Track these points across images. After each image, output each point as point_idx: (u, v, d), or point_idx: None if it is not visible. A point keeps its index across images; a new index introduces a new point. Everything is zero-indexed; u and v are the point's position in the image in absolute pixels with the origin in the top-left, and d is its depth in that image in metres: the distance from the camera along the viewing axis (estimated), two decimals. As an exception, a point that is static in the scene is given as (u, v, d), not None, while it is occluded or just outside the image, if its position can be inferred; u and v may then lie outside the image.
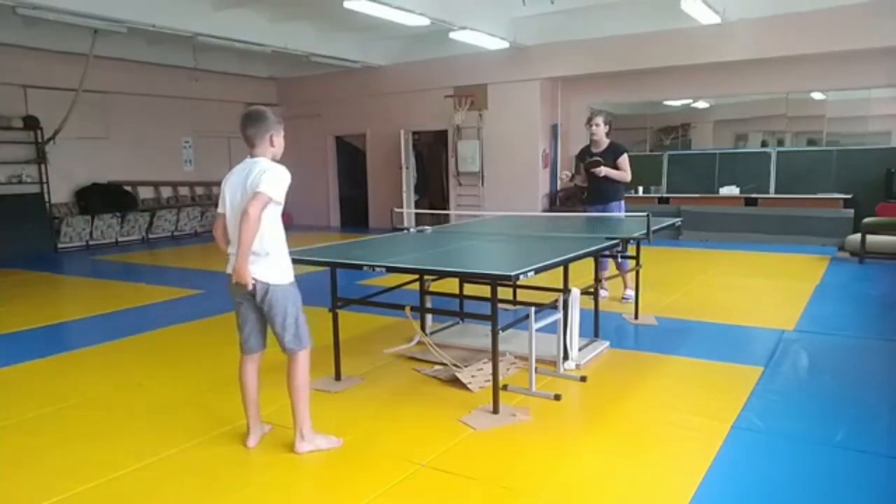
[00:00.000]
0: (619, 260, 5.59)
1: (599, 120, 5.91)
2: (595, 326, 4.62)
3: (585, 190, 6.17)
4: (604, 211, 5.94)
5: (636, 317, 5.31)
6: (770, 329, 4.92)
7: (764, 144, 10.48)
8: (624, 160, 5.87)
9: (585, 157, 5.99)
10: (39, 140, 10.43)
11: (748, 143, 10.87)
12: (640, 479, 2.74)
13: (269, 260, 2.85)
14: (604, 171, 5.79)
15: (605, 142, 5.94)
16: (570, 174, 6.24)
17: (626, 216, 5.80)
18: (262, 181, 2.75)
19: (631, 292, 5.95)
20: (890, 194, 9.16)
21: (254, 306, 2.94)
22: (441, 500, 2.60)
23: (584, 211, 6.16)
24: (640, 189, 10.75)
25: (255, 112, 2.93)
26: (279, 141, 2.96)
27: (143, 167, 12.08)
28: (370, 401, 3.68)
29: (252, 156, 2.92)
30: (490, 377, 3.48)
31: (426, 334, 4.52)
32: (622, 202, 6.04)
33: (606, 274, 5.75)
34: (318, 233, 12.47)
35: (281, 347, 2.96)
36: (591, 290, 4.55)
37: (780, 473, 2.76)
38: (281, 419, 3.41)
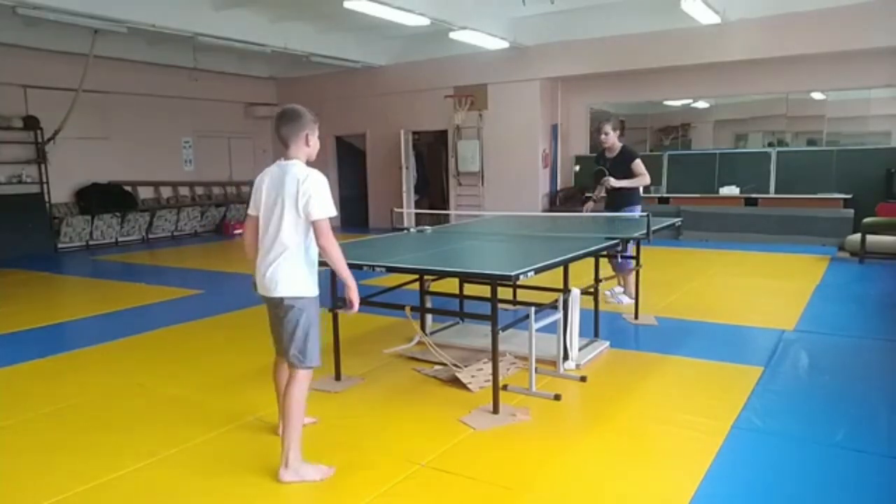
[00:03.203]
0: (619, 260, 5.60)
1: (608, 128, 5.78)
2: (595, 326, 4.61)
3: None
4: None
5: (636, 317, 5.31)
6: (770, 329, 4.92)
7: (770, 145, 10.45)
8: (637, 165, 5.73)
9: (600, 162, 5.94)
10: (39, 140, 10.43)
11: (748, 143, 10.87)
12: (640, 478, 2.74)
13: (294, 270, 2.74)
14: (613, 182, 5.68)
15: (617, 147, 5.84)
16: (592, 202, 6.14)
17: (625, 216, 5.77)
18: (312, 206, 2.67)
19: (620, 289, 5.98)
20: (890, 194, 9.16)
21: (276, 313, 2.85)
22: (441, 500, 2.60)
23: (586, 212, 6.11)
24: (641, 189, 10.73)
25: (290, 110, 2.80)
26: (314, 140, 2.83)
27: (143, 167, 12.08)
28: (370, 401, 3.68)
29: (286, 157, 2.78)
30: (490, 377, 3.48)
31: (426, 334, 4.52)
32: (638, 207, 5.89)
33: (623, 272, 5.78)
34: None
35: (286, 359, 2.84)
36: (591, 289, 4.55)
37: (779, 473, 2.76)
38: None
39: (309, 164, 2.82)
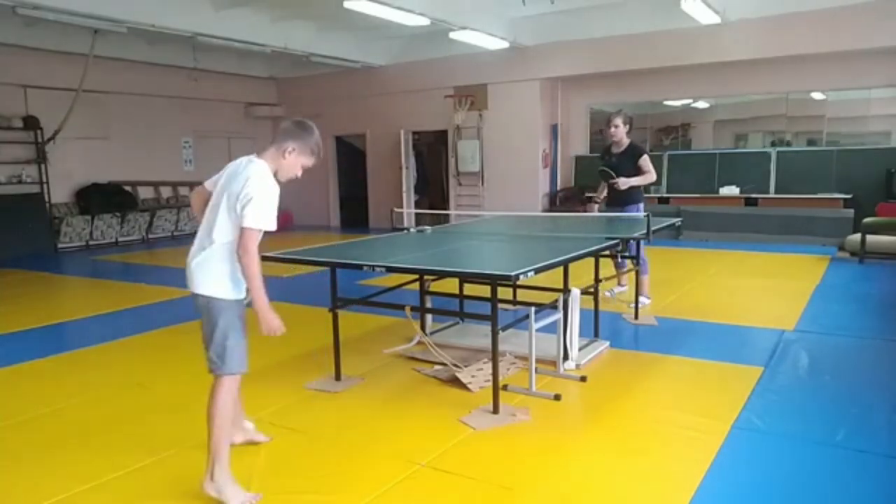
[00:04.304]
0: (619, 259, 5.61)
1: (618, 120, 5.73)
2: (595, 326, 4.62)
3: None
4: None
5: (636, 317, 5.31)
6: (770, 329, 4.92)
7: (773, 144, 10.42)
8: (645, 161, 5.70)
9: (605, 158, 5.89)
10: (39, 140, 10.43)
11: (748, 143, 10.87)
12: (639, 478, 2.74)
13: (214, 268, 2.57)
14: (624, 182, 5.63)
15: (625, 142, 5.78)
16: (599, 199, 6.09)
17: (627, 216, 5.76)
18: (248, 211, 2.45)
19: (620, 288, 6.06)
20: (890, 194, 9.16)
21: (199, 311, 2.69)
22: (441, 500, 2.60)
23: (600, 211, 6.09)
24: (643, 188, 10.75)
25: (303, 121, 2.66)
26: (294, 161, 2.62)
27: (143, 167, 12.08)
28: (370, 401, 3.68)
29: (258, 153, 2.63)
30: (490, 377, 3.48)
31: (426, 334, 4.52)
32: (641, 205, 5.84)
33: (623, 270, 5.84)
34: (318, 233, 12.47)
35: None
36: (591, 290, 4.55)
37: (780, 473, 2.76)
38: (284, 419, 3.42)
39: (275, 176, 2.62)
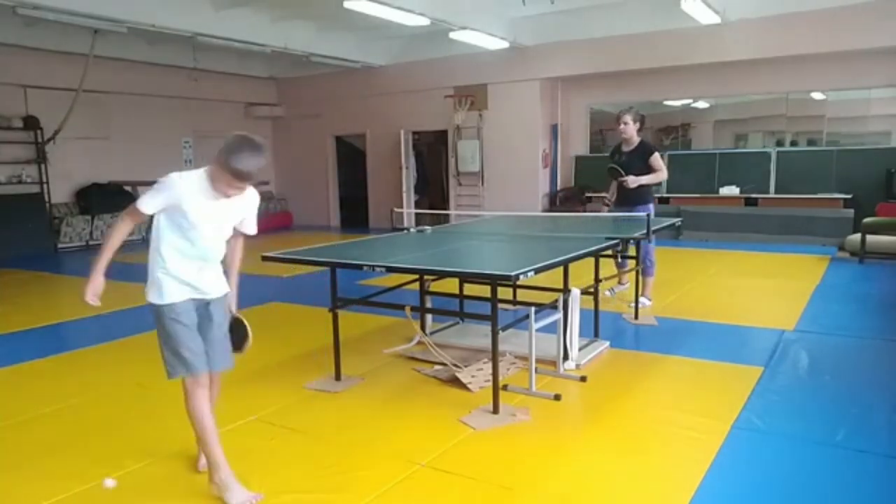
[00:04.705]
0: (620, 259, 5.61)
1: (628, 118, 5.61)
2: (595, 326, 4.62)
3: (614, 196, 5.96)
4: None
5: (636, 317, 5.31)
6: (770, 329, 4.92)
7: (779, 143, 10.40)
8: (656, 159, 5.58)
9: (615, 157, 5.79)
10: (39, 140, 10.44)
11: (748, 143, 10.87)
12: (640, 478, 2.74)
13: (151, 272, 2.67)
14: (633, 181, 5.51)
15: (635, 140, 5.66)
16: (609, 200, 6.00)
17: (627, 216, 5.75)
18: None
19: (620, 287, 6.08)
20: (890, 194, 9.16)
21: None
22: (441, 500, 2.60)
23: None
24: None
25: (238, 137, 2.46)
26: (214, 174, 2.47)
27: (143, 167, 12.03)
28: (370, 401, 3.68)
29: None
30: (490, 377, 3.48)
31: (426, 334, 4.52)
32: (650, 205, 5.71)
33: (625, 270, 5.82)
34: (318, 233, 12.47)
35: None
36: (591, 290, 4.55)
37: (780, 473, 2.76)
38: (284, 419, 3.42)
39: (214, 179, 2.50)
